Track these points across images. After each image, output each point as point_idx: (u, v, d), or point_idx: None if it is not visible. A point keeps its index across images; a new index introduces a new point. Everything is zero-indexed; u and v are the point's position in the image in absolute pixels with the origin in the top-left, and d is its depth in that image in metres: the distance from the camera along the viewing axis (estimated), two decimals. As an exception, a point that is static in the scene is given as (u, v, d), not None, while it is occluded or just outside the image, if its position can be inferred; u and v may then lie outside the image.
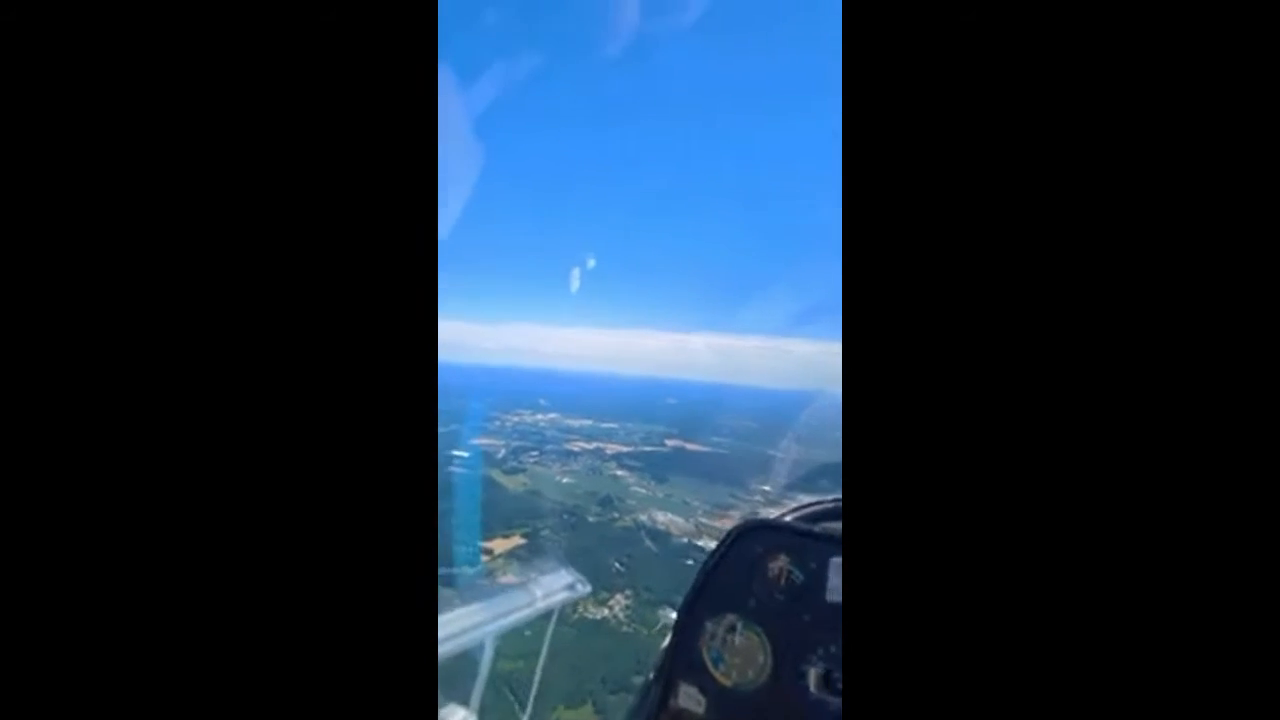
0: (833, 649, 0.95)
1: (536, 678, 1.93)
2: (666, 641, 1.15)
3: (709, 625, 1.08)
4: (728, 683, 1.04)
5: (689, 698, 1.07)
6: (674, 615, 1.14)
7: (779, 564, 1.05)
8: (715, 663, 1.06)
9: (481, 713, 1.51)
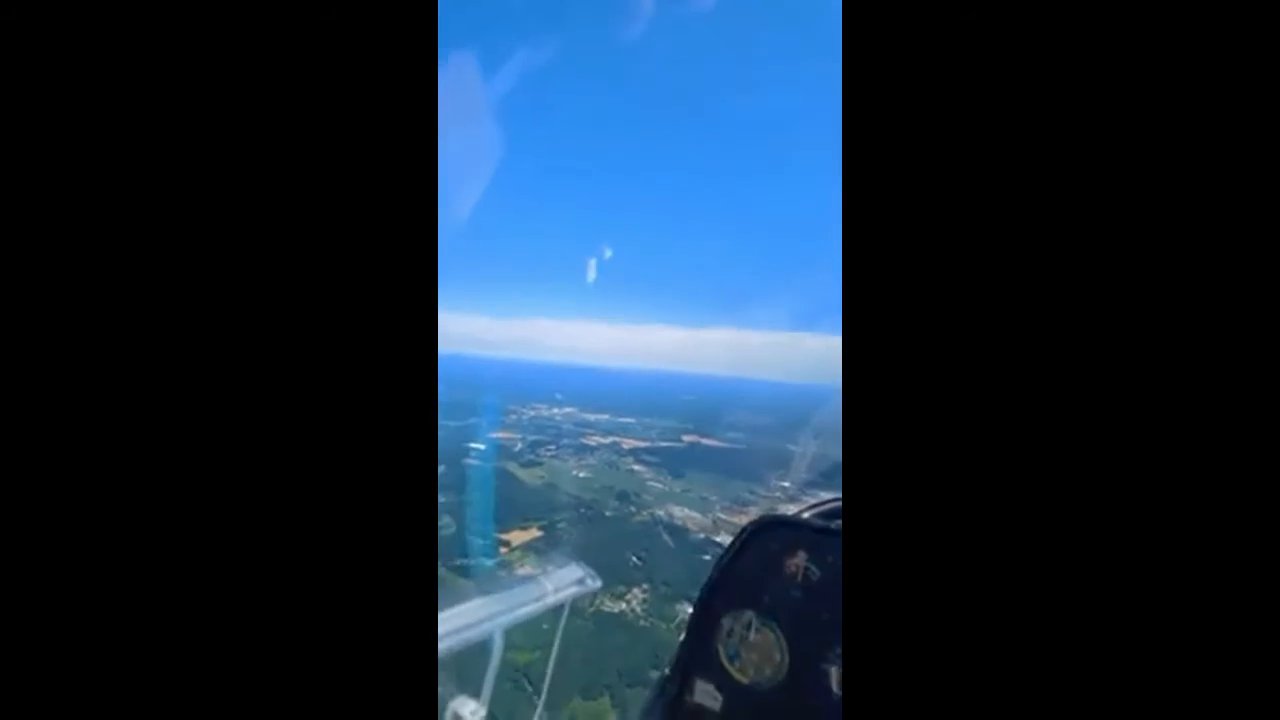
0: None
1: (549, 669, 1.95)
2: (682, 637, 1.14)
3: (725, 622, 1.07)
4: (744, 680, 1.03)
5: (705, 694, 1.06)
6: (690, 611, 1.13)
7: (796, 561, 1.03)
8: (732, 660, 1.05)
9: (493, 703, 1.53)
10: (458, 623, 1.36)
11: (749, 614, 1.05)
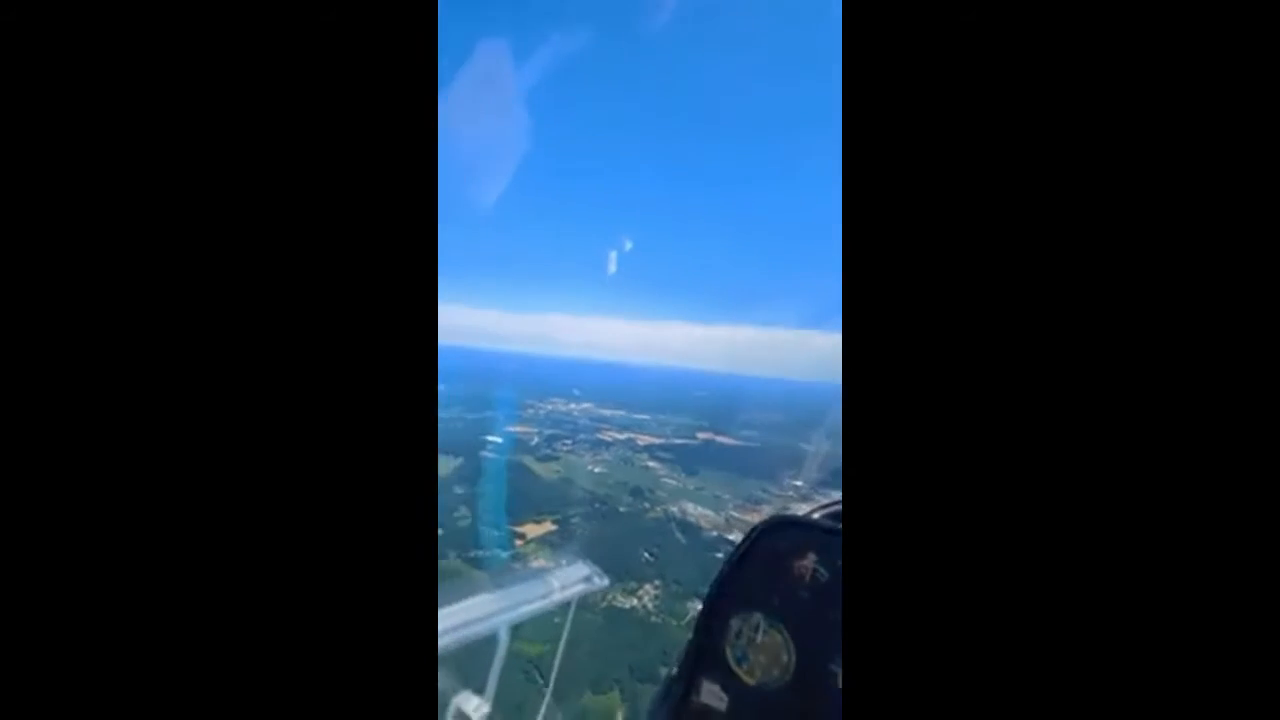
0: None
1: (556, 664, 1.97)
2: (689, 638, 1.14)
3: (734, 623, 1.07)
4: (751, 681, 1.03)
5: (711, 695, 1.06)
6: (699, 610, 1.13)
7: (805, 563, 1.02)
8: (739, 662, 1.05)
9: (504, 694, 1.54)
10: (461, 618, 1.36)
11: (757, 616, 1.05)
